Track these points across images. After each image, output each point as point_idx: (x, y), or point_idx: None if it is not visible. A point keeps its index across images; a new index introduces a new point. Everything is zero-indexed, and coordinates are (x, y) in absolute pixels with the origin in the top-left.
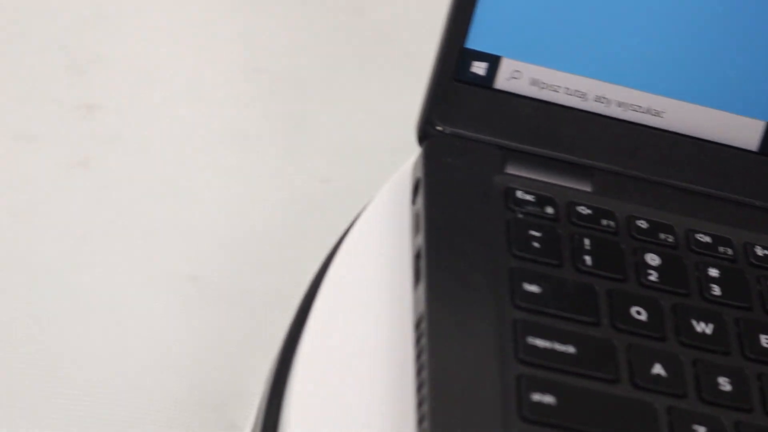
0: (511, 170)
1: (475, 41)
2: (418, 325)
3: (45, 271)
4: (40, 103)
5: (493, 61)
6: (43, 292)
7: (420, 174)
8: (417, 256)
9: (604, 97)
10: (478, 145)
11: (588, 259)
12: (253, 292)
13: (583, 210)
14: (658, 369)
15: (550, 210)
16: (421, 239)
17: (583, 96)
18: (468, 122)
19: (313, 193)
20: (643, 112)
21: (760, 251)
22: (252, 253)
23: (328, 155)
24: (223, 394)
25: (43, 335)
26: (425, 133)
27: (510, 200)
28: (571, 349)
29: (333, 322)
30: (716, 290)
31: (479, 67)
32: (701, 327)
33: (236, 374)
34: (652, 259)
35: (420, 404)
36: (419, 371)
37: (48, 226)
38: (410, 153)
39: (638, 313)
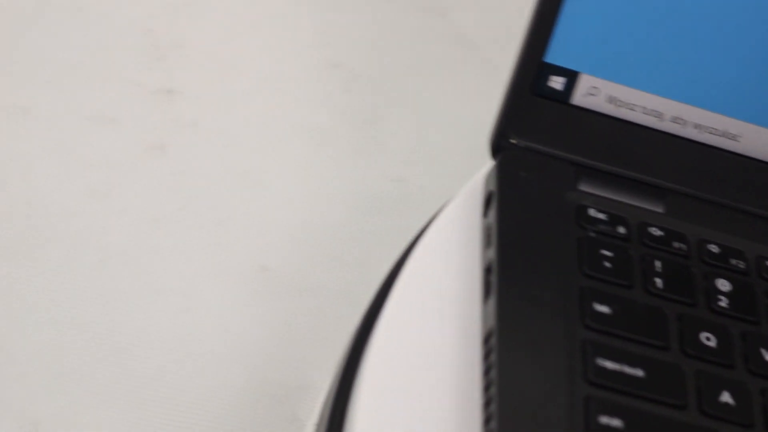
0: (584, 187)
1: (554, 56)
2: (486, 340)
3: (117, 252)
4: (120, 85)
5: (571, 77)
6: (114, 273)
7: (493, 187)
8: (487, 270)
9: (680, 118)
10: (552, 161)
11: (659, 281)
12: (321, 286)
13: (655, 231)
14: (726, 397)
15: (622, 230)
16: (492, 253)
17: (659, 116)
18: (542, 137)
19: (386, 192)
20: (719, 136)
21: None
22: (322, 248)
23: (402, 155)
24: (288, 386)
25: (112, 316)
26: (499, 146)
27: (582, 218)
28: (639, 372)
29: (402, 329)
30: None
31: (557, 82)
32: None
33: (301, 367)
34: (723, 284)
35: (487, 421)
36: (487, 387)
37: (122, 208)
38: (484, 158)
39: (707, 339)
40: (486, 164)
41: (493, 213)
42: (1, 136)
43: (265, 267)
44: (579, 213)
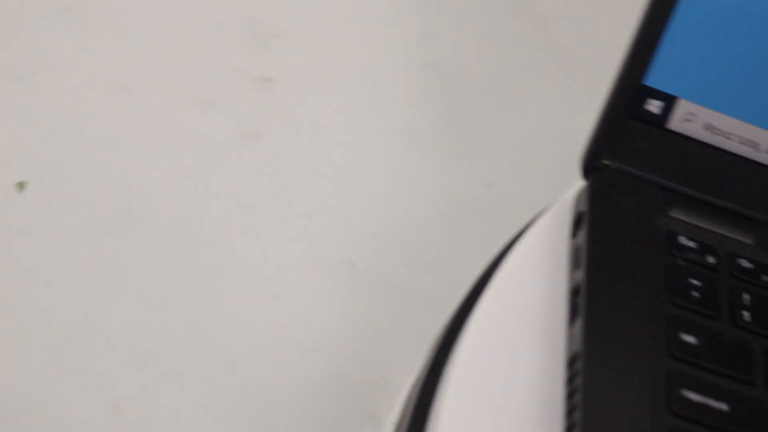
0: (675, 214)
1: (653, 79)
2: (571, 363)
3: (209, 235)
4: (221, 70)
5: (669, 101)
6: (205, 256)
7: (584, 208)
8: (575, 292)
9: None
10: (644, 185)
11: (746, 315)
12: (405, 286)
13: (744, 263)
14: None
15: (711, 259)
16: (581, 275)
17: (755, 146)
18: (636, 160)
19: (476, 197)
20: None
21: None
22: (409, 248)
23: (495, 161)
24: (366, 382)
25: (200, 299)
26: (591, 166)
27: (672, 245)
28: (724, 406)
29: (487, 342)
30: None
31: (654, 106)
32: None
33: (381, 365)
34: None
35: None
36: (570, 411)
37: (216, 192)
38: (575, 172)
39: None
40: (576, 179)
41: (583, 234)
42: (102, 113)
43: (352, 262)
44: (669, 239)
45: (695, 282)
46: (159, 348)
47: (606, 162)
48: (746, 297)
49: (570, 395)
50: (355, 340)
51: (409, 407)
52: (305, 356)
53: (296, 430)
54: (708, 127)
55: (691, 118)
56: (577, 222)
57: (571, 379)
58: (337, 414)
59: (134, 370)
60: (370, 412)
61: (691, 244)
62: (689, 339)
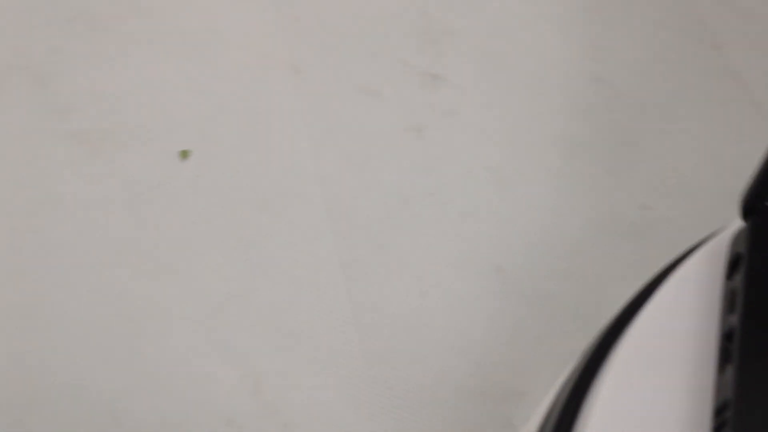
0: None
1: None
2: (720, 411)
3: (363, 223)
4: (390, 61)
5: None
6: (357, 243)
7: (742, 250)
8: (727, 336)
9: None
10: None
11: None
12: (552, 296)
13: None
14: None
15: None
16: (735, 321)
17: None
18: None
19: (631, 217)
20: None
21: None
22: (558, 259)
23: (653, 182)
24: (505, 389)
25: (349, 285)
26: (752, 207)
27: None
28: None
29: (633, 374)
30: None
31: None
32: None
33: (521, 373)
34: None
35: None
36: None
37: (374, 182)
38: (734, 205)
39: None
40: (734, 212)
41: (739, 278)
42: (271, 92)
43: (500, 267)
44: None
45: None
46: (304, 331)
47: None
48: None
49: None
50: (496, 345)
51: (549, 424)
52: (447, 356)
53: (429, 430)
54: None
55: None
56: (734, 264)
57: (719, 428)
58: (471, 417)
59: (277, 351)
60: (505, 419)
61: None
62: None
